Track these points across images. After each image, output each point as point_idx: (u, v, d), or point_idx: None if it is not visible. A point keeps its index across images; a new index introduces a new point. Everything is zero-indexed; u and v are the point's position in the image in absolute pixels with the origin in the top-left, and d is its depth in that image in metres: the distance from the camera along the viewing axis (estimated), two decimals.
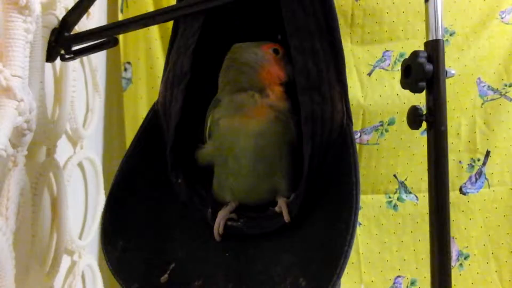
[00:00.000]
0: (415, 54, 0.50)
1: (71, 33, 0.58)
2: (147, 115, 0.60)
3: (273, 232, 0.51)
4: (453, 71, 0.53)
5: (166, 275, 0.51)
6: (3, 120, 0.32)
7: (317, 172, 0.49)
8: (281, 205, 0.50)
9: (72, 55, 0.58)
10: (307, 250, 0.47)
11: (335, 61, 0.50)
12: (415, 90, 0.50)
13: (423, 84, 0.50)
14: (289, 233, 0.50)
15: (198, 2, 0.53)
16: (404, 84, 0.52)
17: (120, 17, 0.96)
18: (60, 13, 0.59)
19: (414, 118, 0.51)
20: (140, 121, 0.63)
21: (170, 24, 0.61)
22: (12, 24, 0.34)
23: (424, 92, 0.51)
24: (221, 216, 0.53)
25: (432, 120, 0.50)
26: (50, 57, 0.56)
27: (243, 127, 0.52)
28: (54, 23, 0.56)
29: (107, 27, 0.59)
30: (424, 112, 0.51)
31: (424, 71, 0.49)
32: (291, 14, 0.51)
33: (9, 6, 0.34)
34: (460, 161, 1.04)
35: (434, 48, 0.50)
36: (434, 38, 0.50)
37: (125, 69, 0.98)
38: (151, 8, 0.96)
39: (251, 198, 0.55)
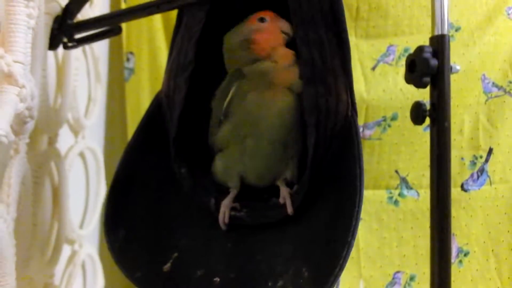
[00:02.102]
0: (420, 49, 0.49)
1: (74, 21, 0.57)
2: (151, 104, 0.60)
3: (276, 223, 0.51)
4: (458, 67, 0.53)
5: (168, 264, 0.52)
6: (4, 106, 0.32)
7: (321, 163, 0.49)
8: (285, 195, 0.50)
9: (75, 43, 0.58)
10: (309, 241, 0.47)
11: (340, 52, 0.50)
12: (419, 85, 0.50)
13: (428, 79, 0.49)
14: (292, 223, 0.50)
15: None
16: (408, 79, 0.51)
17: (123, 7, 0.95)
18: (63, 0, 0.59)
19: (417, 113, 0.50)
20: (142, 112, 0.63)
21: (173, 14, 0.61)
22: (14, 9, 0.33)
23: (428, 88, 0.50)
24: (225, 205, 0.53)
25: (435, 115, 0.49)
26: (52, 45, 0.56)
27: (272, 102, 0.51)
28: (57, 10, 0.55)
29: (111, 15, 0.58)
30: (428, 107, 0.50)
31: (428, 66, 0.48)
32: (297, 4, 0.50)
33: None
34: (462, 158, 1.03)
35: (439, 43, 0.49)
36: (440, 33, 0.49)
37: (128, 59, 0.98)
38: None
39: (260, 181, 0.54)
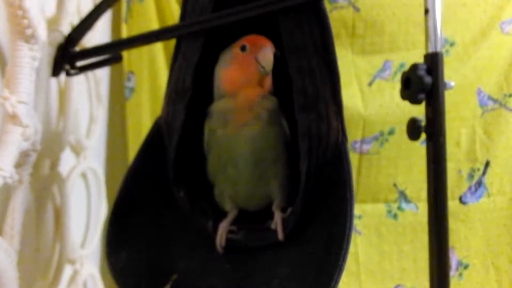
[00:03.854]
0: (414, 66, 0.50)
1: (76, 49, 0.59)
2: (150, 129, 0.62)
3: (272, 245, 0.52)
4: (452, 83, 0.53)
5: (168, 286, 0.53)
6: (9, 147, 0.33)
7: (313, 187, 0.50)
8: (277, 220, 0.52)
9: (77, 71, 0.59)
10: (303, 263, 0.49)
11: (330, 80, 0.51)
12: (415, 101, 0.50)
13: (423, 96, 0.50)
14: (287, 246, 0.51)
15: (199, 22, 0.54)
16: (404, 96, 0.52)
17: (124, 28, 0.97)
18: (65, 28, 0.60)
19: (413, 129, 0.51)
20: (142, 130, 0.64)
21: None
22: (19, 53, 0.35)
23: (423, 103, 0.51)
24: (223, 228, 0.54)
25: (431, 131, 0.50)
26: (55, 72, 0.57)
27: (238, 134, 0.54)
28: (60, 39, 0.57)
29: (112, 44, 0.60)
30: (423, 123, 0.51)
31: (423, 84, 0.49)
32: (289, 34, 0.52)
33: (16, 36, 0.35)
34: (460, 171, 1.04)
35: (433, 61, 0.50)
36: (434, 50, 0.50)
37: (128, 79, 0.99)
38: (154, 19, 0.97)
39: (250, 205, 0.57)
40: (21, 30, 0.34)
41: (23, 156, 0.38)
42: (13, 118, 0.34)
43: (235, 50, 0.56)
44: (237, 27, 0.58)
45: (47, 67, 0.50)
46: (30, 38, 0.35)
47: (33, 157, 0.40)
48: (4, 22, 0.36)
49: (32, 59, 0.36)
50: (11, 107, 0.34)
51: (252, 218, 0.56)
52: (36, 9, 0.35)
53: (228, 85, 0.55)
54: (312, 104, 0.51)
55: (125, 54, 0.97)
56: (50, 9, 0.61)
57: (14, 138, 0.34)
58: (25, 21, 0.34)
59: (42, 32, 0.37)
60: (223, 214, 0.56)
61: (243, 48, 0.55)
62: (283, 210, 0.53)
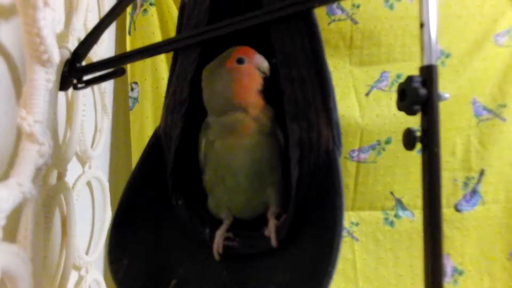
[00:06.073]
0: (410, 78, 0.50)
1: (83, 63, 0.62)
2: (150, 139, 0.63)
3: (267, 251, 0.53)
4: (446, 95, 0.55)
5: None
6: (27, 164, 0.35)
7: (305, 195, 0.51)
8: (271, 228, 0.53)
9: (84, 84, 0.62)
10: (296, 269, 0.50)
11: (321, 89, 0.52)
12: (410, 112, 0.51)
13: (418, 107, 0.50)
14: (281, 252, 0.52)
15: (198, 34, 0.56)
16: (400, 107, 0.52)
17: (128, 40, 1.00)
18: (73, 44, 0.63)
19: (408, 139, 0.52)
20: (145, 140, 0.65)
21: None
22: (35, 76, 0.37)
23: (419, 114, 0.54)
24: (219, 236, 0.56)
25: (426, 141, 0.50)
26: (63, 87, 0.60)
27: (238, 145, 0.55)
28: (67, 55, 0.60)
29: (115, 58, 0.63)
30: (419, 133, 0.52)
31: (418, 96, 0.49)
32: (281, 43, 0.53)
33: (33, 60, 0.38)
34: (455, 179, 1.06)
35: (428, 73, 0.50)
36: (429, 63, 0.50)
37: (132, 89, 1.02)
38: (157, 31, 1.00)
39: (245, 214, 0.58)
40: (38, 55, 0.37)
41: (37, 171, 0.40)
42: (30, 136, 0.37)
43: (230, 65, 0.56)
44: (232, 39, 0.58)
45: (56, 84, 0.53)
46: (46, 62, 0.38)
47: (43, 170, 0.42)
48: (21, 47, 0.39)
49: (47, 81, 0.38)
50: (28, 126, 0.37)
51: (247, 225, 0.57)
52: (52, 36, 0.38)
53: (242, 98, 0.55)
54: (303, 113, 0.52)
55: (128, 65, 1.00)
56: (59, 25, 0.64)
57: (31, 156, 0.37)
58: (42, 47, 0.36)
59: (56, 56, 0.40)
60: (219, 222, 0.58)
61: (240, 61, 0.56)
62: (278, 217, 0.55)
